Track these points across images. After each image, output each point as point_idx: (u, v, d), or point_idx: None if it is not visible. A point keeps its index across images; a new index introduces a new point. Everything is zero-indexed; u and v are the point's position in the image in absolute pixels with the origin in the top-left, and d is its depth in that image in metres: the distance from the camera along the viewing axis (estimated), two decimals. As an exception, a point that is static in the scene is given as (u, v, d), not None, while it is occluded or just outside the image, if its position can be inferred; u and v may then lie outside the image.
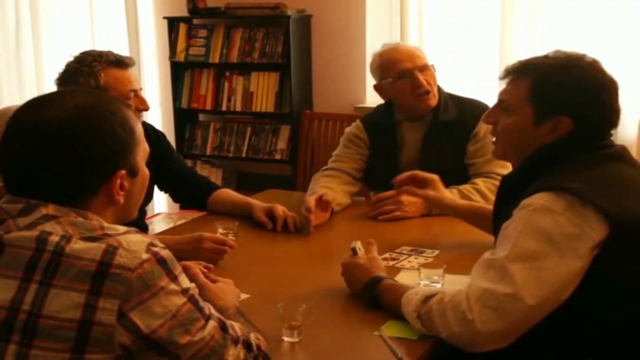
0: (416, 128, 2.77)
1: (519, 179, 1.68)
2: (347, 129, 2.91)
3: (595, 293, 1.51)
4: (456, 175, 2.65)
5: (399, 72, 2.71)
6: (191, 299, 1.23)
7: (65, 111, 1.25)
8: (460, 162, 2.71)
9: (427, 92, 2.69)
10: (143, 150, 1.35)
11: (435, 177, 2.31)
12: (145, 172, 1.37)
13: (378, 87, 2.84)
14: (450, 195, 2.34)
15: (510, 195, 1.62)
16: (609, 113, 1.65)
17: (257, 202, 2.55)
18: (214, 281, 1.68)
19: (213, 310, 1.29)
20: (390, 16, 4.46)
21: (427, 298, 1.59)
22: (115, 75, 2.28)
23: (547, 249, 1.48)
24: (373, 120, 2.87)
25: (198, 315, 1.23)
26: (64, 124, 1.23)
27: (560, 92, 1.64)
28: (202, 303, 1.26)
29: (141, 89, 2.39)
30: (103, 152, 1.25)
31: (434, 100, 2.72)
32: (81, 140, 1.23)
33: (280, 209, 2.46)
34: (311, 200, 2.47)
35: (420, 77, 2.68)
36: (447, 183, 2.58)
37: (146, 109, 2.35)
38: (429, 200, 2.29)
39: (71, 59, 2.31)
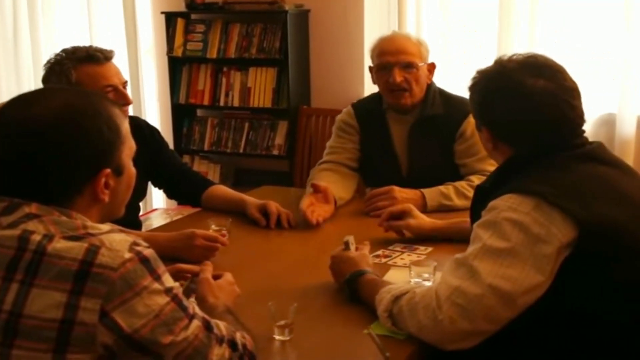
0: (403, 121, 2.75)
1: (490, 187, 1.68)
2: (338, 117, 2.89)
3: (578, 291, 1.51)
4: (443, 170, 2.65)
5: (381, 63, 2.69)
6: (175, 298, 1.22)
7: (51, 109, 1.24)
8: (447, 158, 2.69)
9: (404, 90, 2.65)
10: (129, 148, 1.34)
11: (408, 205, 2.30)
12: (131, 170, 1.36)
13: (371, 69, 2.82)
14: (427, 219, 2.29)
15: (483, 203, 1.62)
16: (532, 118, 1.61)
17: (250, 199, 2.55)
18: (217, 277, 1.68)
19: (197, 310, 1.29)
20: (388, 11, 4.44)
21: (397, 298, 1.60)
22: (87, 72, 2.20)
23: (514, 250, 1.48)
24: (364, 106, 2.86)
25: (181, 314, 1.22)
26: (49, 122, 1.22)
27: (474, 104, 1.75)
28: (185, 302, 1.25)
29: (126, 82, 2.29)
30: (88, 151, 1.24)
31: (408, 100, 2.67)
32: (66, 138, 1.22)
33: (273, 206, 2.45)
34: (305, 201, 2.47)
35: (397, 74, 2.64)
36: (435, 178, 2.57)
37: (128, 103, 2.25)
38: (409, 229, 2.25)
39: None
